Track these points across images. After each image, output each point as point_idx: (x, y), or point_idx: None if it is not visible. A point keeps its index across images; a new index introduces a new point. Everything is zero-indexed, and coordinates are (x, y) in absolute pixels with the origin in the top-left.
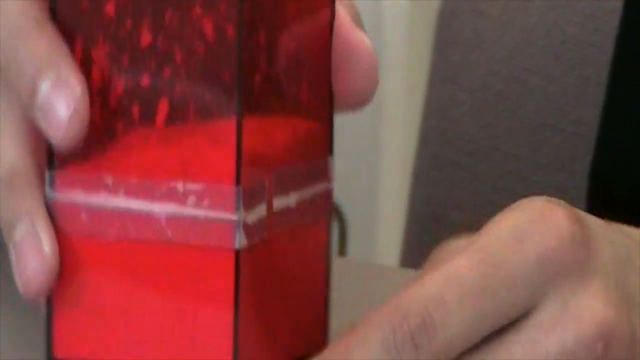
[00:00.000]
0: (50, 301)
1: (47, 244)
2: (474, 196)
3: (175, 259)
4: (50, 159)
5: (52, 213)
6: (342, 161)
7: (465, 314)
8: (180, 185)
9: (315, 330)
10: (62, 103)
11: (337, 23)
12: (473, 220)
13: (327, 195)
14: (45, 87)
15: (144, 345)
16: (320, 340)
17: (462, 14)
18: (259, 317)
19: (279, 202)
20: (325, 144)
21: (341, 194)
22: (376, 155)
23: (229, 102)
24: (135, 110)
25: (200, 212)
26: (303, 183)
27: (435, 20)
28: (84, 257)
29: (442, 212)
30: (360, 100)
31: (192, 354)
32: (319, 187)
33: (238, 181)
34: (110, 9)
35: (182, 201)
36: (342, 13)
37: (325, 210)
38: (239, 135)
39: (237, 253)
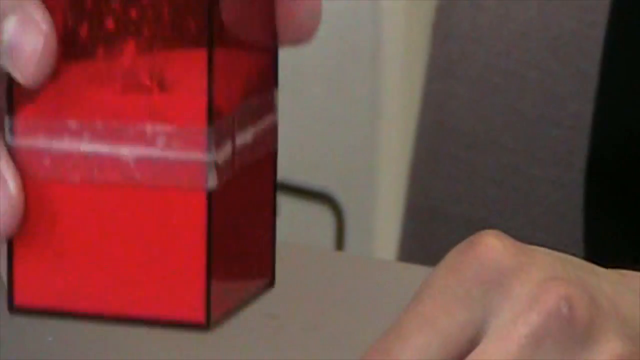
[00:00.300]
0: (11, 247)
1: (12, 185)
2: (472, 189)
3: (144, 201)
4: (9, 104)
5: (13, 159)
6: (339, 154)
7: (408, 354)
8: (149, 127)
9: (265, 261)
10: (30, 40)
11: None
12: (471, 213)
13: (274, 127)
14: (10, 25)
15: (112, 292)
16: (268, 272)
17: (459, 8)
18: (227, 256)
19: (239, 139)
20: (271, 77)
21: (338, 186)
22: (374, 148)
23: (199, 39)
24: (100, 50)
25: (170, 154)
26: (255, 117)
27: (432, 14)
28: (48, 202)
29: (439, 206)
30: (303, 37)
31: (163, 297)
32: (267, 120)
33: (210, 121)
34: None
35: (151, 143)
36: None
37: (273, 142)
38: (210, 73)
39: (210, 194)
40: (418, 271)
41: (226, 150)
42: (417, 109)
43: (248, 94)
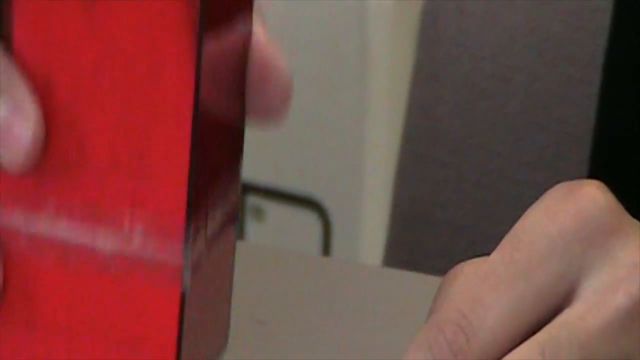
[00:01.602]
0: None
1: None
2: (458, 194)
3: (116, 291)
4: None
5: None
6: (326, 159)
7: (502, 304)
8: (127, 214)
9: (223, 328)
10: (22, 128)
11: (253, 39)
12: (457, 218)
13: (238, 203)
14: (2, 112)
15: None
16: (224, 336)
17: (445, 12)
18: (195, 342)
19: (210, 227)
20: (239, 150)
21: (325, 192)
22: (360, 153)
23: (181, 126)
24: (81, 129)
25: (147, 252)
26: (224, 198)
27: (418, 19)
28: (24, 278)
29: (426, 211)
30: (273, 119)
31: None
32: (234, 197)
33: (189, 220)
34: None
35: (128, 236)
36: (259, 29)
37: (236, 218)
38: (191, 166)
39: (184, 293)
40: (403, 276)
41: (200, 243)
42: (404, 114)
43: (219, 177)
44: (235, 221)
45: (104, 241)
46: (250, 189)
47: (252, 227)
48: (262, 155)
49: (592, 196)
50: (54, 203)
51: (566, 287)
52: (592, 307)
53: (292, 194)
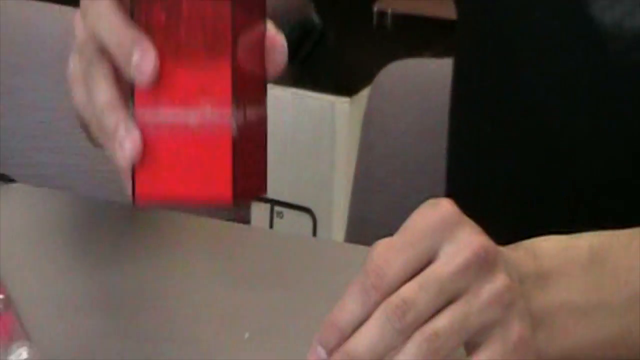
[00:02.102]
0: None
1: (135, 131)
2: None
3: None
4: (132, 93)
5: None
6: (313, 183)
7: (399, 260)
8: (203, 101)
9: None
10: (146, 63)
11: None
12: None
13: None
14: (136, 55)
15: (171, 179)
16: (264, 180)
17: (377, 112)
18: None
19: (247, 111)
20: (263, 83)
21: (314, 203)
22: (333, 180)
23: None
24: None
25: (215, 119)
26: None
27: (363, 115)
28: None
29: (377, 220)
30: (275, 73)
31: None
32: None
33: None
34: None
35: (203, 113)
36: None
37: None
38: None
39: (234, 139)
40: (358, 250)
41: (240, 116)
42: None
43: (251, 85)
44: (264, 124)
45: (193, 117)
46: (270, 200)
47: (275, 224)
48: (277, 180)
49: (445, 205)
50: (162, 100)
51: (432, 252)
52: (443, 263)
53: (294, 204)
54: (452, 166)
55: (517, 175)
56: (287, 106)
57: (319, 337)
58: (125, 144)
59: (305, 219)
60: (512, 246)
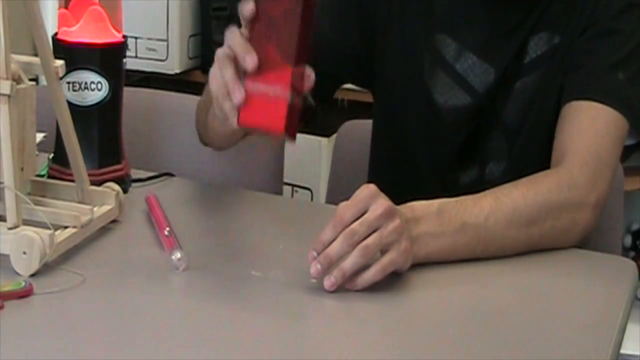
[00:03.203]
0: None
1: (242, 90)
2: None
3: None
4: (243, 76)
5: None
6: (311, 170)
7: (350, 211)
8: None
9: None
10: (251, 62)
11: None
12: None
13: None
14: (247, 58)
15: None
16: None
17: (348, 143)
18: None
19: (296, 89)
20: (305, 61)
21: (313, 183)
22: (321, 169)
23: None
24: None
25: (277, 90)
26: None
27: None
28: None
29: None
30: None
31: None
32: None
33: None
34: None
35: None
36: None
37: None
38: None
39: (290, 106)
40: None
41: (293, 93)
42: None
43: (302, 66)
44: (299, 108)
45: (271, 89)
46: (290, 184)
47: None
48: (294, 171)
49: (371, 187)
50: (257, 79)
51: (365, 208)
52: (371, 213)
53: (302, 185)
54: (371, 169)
55: (399, 173)
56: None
57: (313, 249)
58: (237, 94)
59: (307, 194)
60: (401, 205)
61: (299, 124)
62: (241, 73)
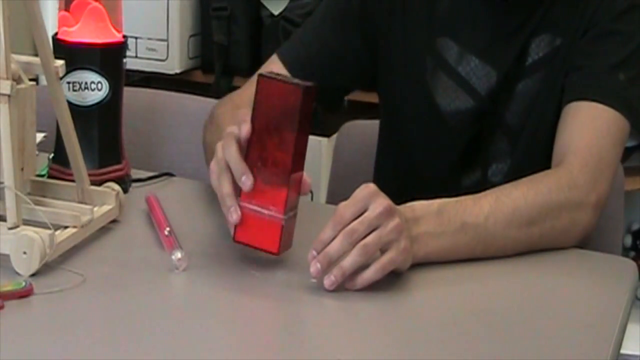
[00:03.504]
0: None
1: (238, 211)
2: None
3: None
4: (239, 193)
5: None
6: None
7: (350, 210)
8: (276, 202)
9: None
10: (247, 182)
11: None
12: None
13: None
14: (243, 177)
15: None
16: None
17: (347, 143)
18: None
19: (290, 212)
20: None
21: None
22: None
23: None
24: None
25: (272, 213)
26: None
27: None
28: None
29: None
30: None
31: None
32: None
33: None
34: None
35: (280, 211)
36: None
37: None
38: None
39: (282, 227)
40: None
41: (287, 216)
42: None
43: (295, 194)
44: (295, 217)
45: (265, 211)
46: None
47: None
48: None
49: (371, 186)
50: (252, 200)
51: (365, 207)
52: (371, 212)
53: None
54: (375, 171)
55: (402, 176)
56: None
57: (312, 248)
58: (234, 215)
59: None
60: (401, 205)
61: (293, 234)
62: (237, 189)
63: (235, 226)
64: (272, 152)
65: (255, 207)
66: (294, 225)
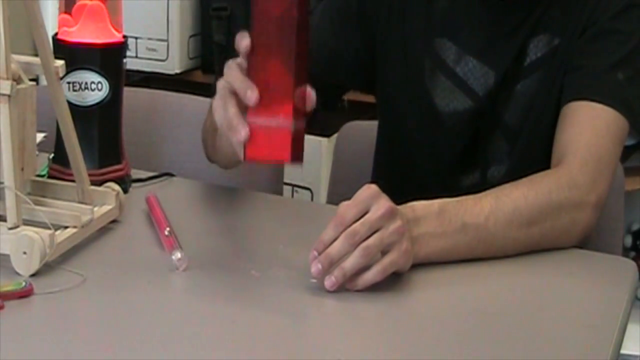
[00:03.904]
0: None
1: (246, 127)
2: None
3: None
4: (245, 110)
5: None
6: (311, 174)
7: (351, 211)
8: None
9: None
10: (252, 96)
11: None
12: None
13: None
14: (249, 92)
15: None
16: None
17: (349, 143)
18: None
19: (297, 115)
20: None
21: (313, 183)
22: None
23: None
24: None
25: (280, 122)
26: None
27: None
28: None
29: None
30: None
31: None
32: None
33: None
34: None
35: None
36: None
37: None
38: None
39: (291, 134)
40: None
41: (296, 120)
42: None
43: (302, 97)
44: (304, 130)
45: (273, 121)
46: (290, 184)
47: (294, 195)
48: (297, 173)
49: (373, 187)
50: (259, 113)
51: (366, 208)
52: (372, 213)
53: (302, 185)
54: (374, 171)
55: (401, 177)
56: None
57: (314, 249)
58: (242, 131)
59: (307, 194)
60: (402, 206)
61: (303, 146)
62: (243, 106)
63: (245, 146)
64: (274, 64)
65: (263, 120)
66: (304, 138)
